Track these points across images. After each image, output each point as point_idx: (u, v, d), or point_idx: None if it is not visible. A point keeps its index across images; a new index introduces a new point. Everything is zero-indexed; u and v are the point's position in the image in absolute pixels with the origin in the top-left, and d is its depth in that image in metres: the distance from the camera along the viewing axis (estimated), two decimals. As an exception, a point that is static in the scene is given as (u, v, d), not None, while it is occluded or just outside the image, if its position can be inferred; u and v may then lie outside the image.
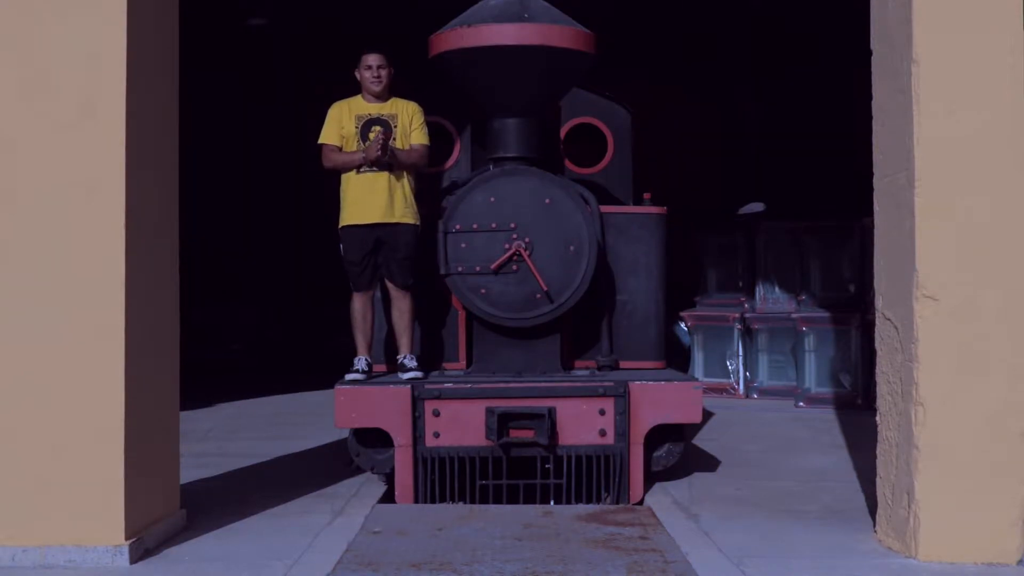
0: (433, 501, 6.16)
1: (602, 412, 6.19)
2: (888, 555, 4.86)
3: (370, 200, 6.39)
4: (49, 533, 4.70)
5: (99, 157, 4.75)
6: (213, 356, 13.99)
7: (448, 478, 6.17)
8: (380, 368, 6.68)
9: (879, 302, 5.15)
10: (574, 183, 6.84)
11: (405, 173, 6.46)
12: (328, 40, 15.05)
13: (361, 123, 6.48)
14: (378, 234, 6.43)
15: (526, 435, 6.15)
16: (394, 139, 6.41)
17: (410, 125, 6.52)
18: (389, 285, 6.51)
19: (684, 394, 6.26)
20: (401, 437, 6.11)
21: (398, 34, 12.48)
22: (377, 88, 6.49)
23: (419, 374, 6.34)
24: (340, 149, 6.49)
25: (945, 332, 4.72)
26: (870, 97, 5.21)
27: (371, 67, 6.50)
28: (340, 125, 6.49)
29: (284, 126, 15.99)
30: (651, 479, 6.43)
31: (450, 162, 7.44)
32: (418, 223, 6.50)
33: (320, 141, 6.54)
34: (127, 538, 4.74)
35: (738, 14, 14.66)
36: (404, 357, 6.44)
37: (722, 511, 5.78)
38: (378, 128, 6.40)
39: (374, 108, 6.51)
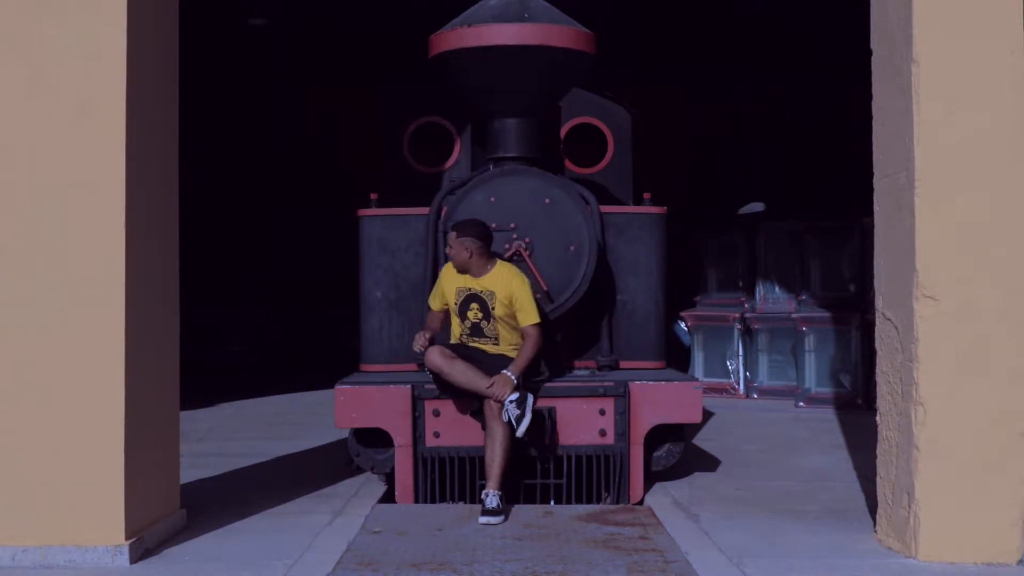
0: (433, 501, 6.16)
1: (602, 412, 6.19)
2: (888, 555, 4.86)
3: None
4: (49, 533, 4.70)
5: (99, 157, 4.75)
6: (213, 356, 14.00)
7: (448, 478, 6.16)
8: (394, 367, 6.67)
9: (879, 302, 5.15)
10: (574, 183, 6.83)
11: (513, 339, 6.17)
12: (328, 40, 15.06)
13: (461, 297, 6.12)
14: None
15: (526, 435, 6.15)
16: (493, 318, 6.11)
17: (511, 303, 6.05)
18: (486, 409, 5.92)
19: (684, 394, 6.26)
20: (401, 437, 6.11)
21: (398, 34, 12.49)
22: (456, 264, 6.11)
23: (493, 520, 5.57)
24: (445, 313, 6.23)
25: (945, 332, 4.72)
26: (870, 97, 5.21)
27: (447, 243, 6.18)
28: (443, 292, 6.17)
29: (284, 125, 16.00)
30: (651, 479, 6.43)
31: (450, 162, 7.45)
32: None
33: (428, 301, 6.31)
34: (127, 538, 4.75)
35: (738, 14, 14.65)
36: (487, 493, 5.72)
37: (722, 511, 5.78)
38: (476, 307, 6.09)
39: (473, 282, 6.09)
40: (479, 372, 5.93)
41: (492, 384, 5.87)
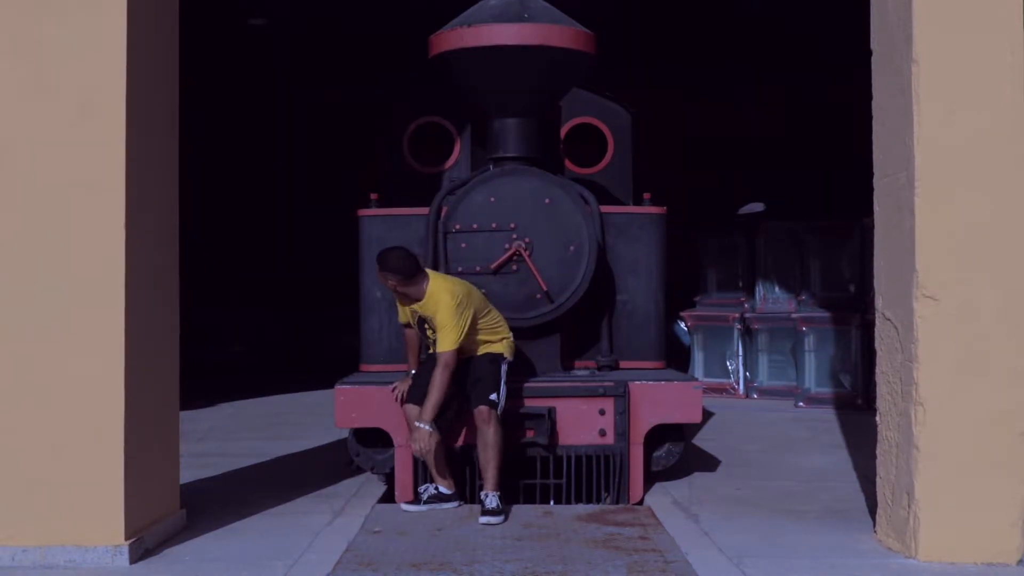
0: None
1: (602, 412, 6.19)
2: (888, 555, 4.86)
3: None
4: (49, 533, 4.70)
5: (99, 157, 4.75)
6: (213, 356, 14.01)
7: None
8: (394, 367, 6.66)
9: (879, 302, 5.15)
10: (574, 183, 6.83)
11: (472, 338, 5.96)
12: (328, 40, 15.06)
13: (416, 319, 6.04)
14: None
15: (526, 435, 6.15)
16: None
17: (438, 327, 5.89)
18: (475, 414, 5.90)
19: (684, 394, 6.26)
20: (401, 437, 6.10)
21: (398, 34, 12.49)
22: (401, 298, 6.03)
23: (494, 519, 5.57)
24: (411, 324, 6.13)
25: (945, 332, 4.72)
26: (870, 97, 5.21)
27: None
28: (405, 311, 6.09)
29: (284, 125, 16.00)
30: (651, 479, 6.43)
31: (450, 162, 7.44)
32: (497, 352, 6.04)
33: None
34: (127, 538, 4.75)
35: (738, 14, 14.66)
36: (485, 494, 5.74)
37: (722, 511, 5.78)
38: (428, 327, 5.96)
39: (418, 306, 5.95)
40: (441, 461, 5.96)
41: (412, 442, 5.82)
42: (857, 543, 5.08)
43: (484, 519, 5.56)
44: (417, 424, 5.79)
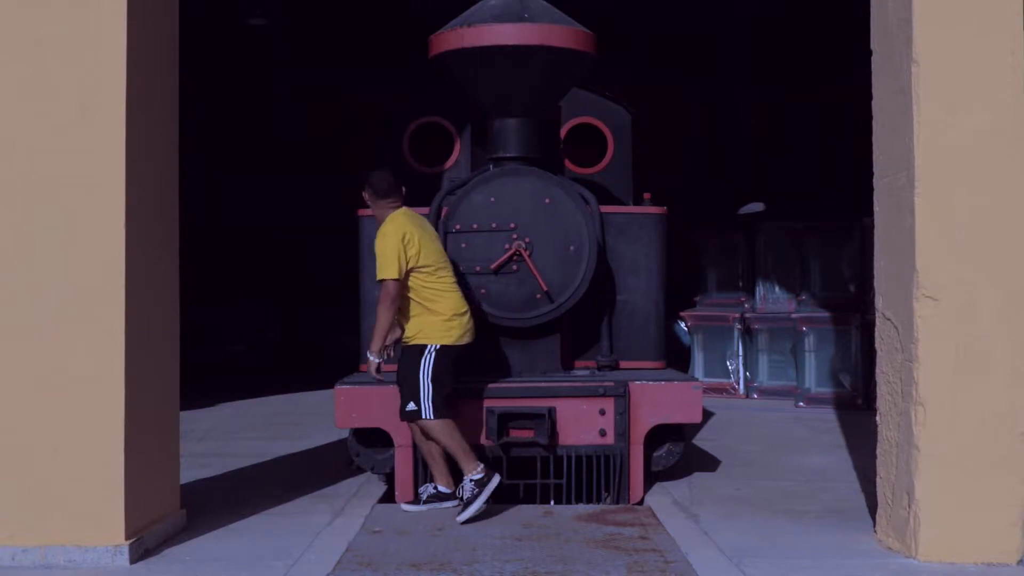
0: (433, 501, 6.16)
1: (602, 412, 6.19)
2: (888, 555, 4.86)
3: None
4: (49, 533, 4.70)
5: (99, 157, 4.75)
6: (213, 356, 14.02)
7: (448, 478, 6.16)
8: (394, 367, 6.65)
9: (879, 302, 5.15)
10: (574, 183, 6.83)
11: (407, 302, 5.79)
12: (328, 40, 15.08)
13: None
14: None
15: (526, 435, 6.15)
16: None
17: None
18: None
19: (684, 394, 6.26)
20: (401, 437, 6.11)
21: (399, 34, 12.52)
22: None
23: (471, 510, 5.53)
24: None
25: (945, 332, 4.72)
26: (870, 97, 5.21)
27: None
28: None
29: (283, 125, 16.01)
30: (651, 479, 6.43)
31: (450, 162, 7.44)
32: (422, 343, 5.81)
33: None
34: (127, 538, 4.75)
35: (738, 15, 14.69)
36: (463, 484, 5.66)
37: (722, 511, 5.78)
38: None
39: None
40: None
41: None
42: (857, 543, 5.08)
43: (463, 516, 5.49)
44: (368, 355, 5.77)
